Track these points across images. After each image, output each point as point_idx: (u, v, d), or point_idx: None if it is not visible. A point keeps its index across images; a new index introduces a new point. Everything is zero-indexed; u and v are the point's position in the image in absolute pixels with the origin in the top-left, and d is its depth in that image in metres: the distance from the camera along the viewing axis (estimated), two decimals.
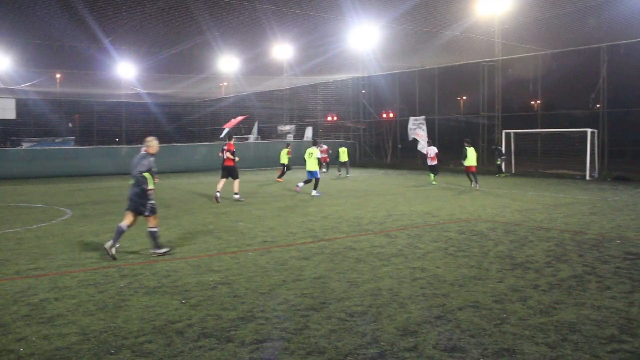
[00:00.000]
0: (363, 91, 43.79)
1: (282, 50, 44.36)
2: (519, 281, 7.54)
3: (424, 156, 24.34)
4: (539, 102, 35.49)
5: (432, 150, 24.11)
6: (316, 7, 30.01)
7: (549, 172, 29.15)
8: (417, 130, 33.69)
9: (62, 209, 15.70)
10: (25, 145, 38.43)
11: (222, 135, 40.31)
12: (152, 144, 9.34)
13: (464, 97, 49.97)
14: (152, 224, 9.13)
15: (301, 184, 19.45)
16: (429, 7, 28.98)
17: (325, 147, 32.00)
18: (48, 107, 48.92)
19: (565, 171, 28.65)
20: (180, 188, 22.28)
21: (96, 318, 6.02)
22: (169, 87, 50.91)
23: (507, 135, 30.95)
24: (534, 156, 31.74)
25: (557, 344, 5.27)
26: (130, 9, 29.26)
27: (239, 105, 54.26)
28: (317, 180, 19.11)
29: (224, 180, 17.45)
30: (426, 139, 30.30)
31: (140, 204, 9.04)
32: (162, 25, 33.38)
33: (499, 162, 29.95)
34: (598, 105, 29.51)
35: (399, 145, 40.10)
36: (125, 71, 46.68)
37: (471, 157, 21.93)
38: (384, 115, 45.67)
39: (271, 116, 51.67)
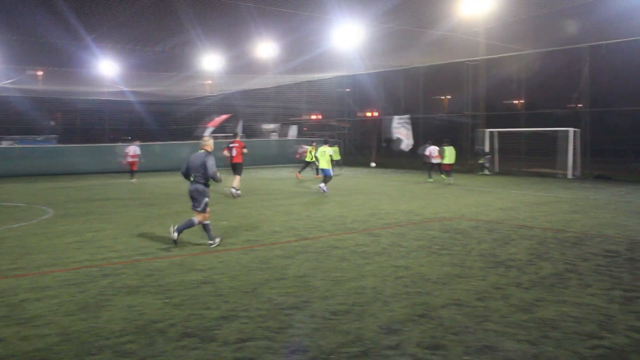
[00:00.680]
0: (348, 90, 43.80)
1: (267, 48, 44.25)
2: (501, 279, 7.59)
3: (426, 156, 24.68)
4: (522, 101, 35.74)
5: (435, 150, 24.46)
6: (300, 5, 29.96)
7: (531, 171, 29.39)
8: (401, 129, 33.82)
9: (43, 207, 15.53)
10: (5, 144, 37.90)
11: (205, 133, 40.16)
12: (209, 142, 10.01)
13: (448, 97, 50.13)
14: (201, 217, 9.74)
15: (322, 185, 19.36)
16: (413, 6, 29.04)
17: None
18: (29, 105, 48.26)
19: (547, 170, 28.89)
20: (165, 187, 22.15)
21: (77, 318, 5.96)
22: (152, 85, 50.48)
23: (491, 134, 31.15)
24: (517, 155, 31.94)
25: (539, 340, 5.32)
26: (114, 6, 28.99)
27: (224, 103, 53.97)
28: (329, 177, 19.47)
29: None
30: (411, 138, 30.48)
31: (197, 201, 9.70)
32: (145, 23, 33.10)
33: (482, 161, 30.15)
34: (580, 105, 29.81)
35: (383, 144, 40.19)
36: (109, 69, 46.22)
37: (449, 156, 23.59)
38: (369, 114, 45.73)
39: (255, 115, 51.48)
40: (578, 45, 29.07)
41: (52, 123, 55.49)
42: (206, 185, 9.74)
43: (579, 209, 15.15)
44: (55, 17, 29.38)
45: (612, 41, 28.28)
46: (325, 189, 19.08)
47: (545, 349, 5.12)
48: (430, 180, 23.99)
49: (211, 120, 32.75)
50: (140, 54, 40.95)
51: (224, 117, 33.26)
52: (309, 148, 27.57)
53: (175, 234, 9.67)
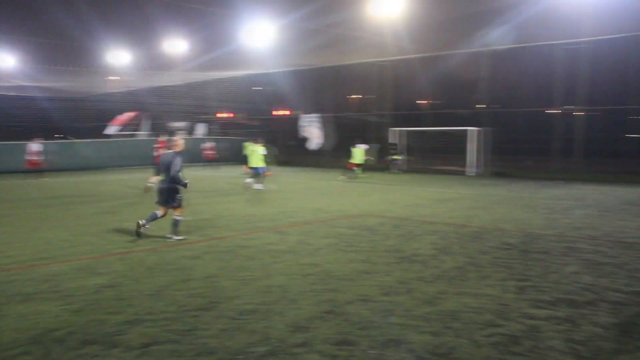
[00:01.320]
0: (259, 88, 43.60)
1: (176, 44, 43.22)
2: (405, 274, 7.81)
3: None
4: (426, 101, 37.00)
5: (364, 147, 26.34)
6: (211, 3, 29.54)
7: (435, 169, 30.51)
8: (310, 128, 34.12)
9: None
10: None
11: (110, 132, 38.66)
12: (179, 142, 10.28)
13: (356, 96, 51.04)
14: (178, 212, 10.16)
15: (249, 180, 20.32)
16: (324, 6, 29.36)
17: (211, 144, 32.36)
18: None
19: (450, 167, 30.10)
20: (64, 187, 21.12)
21: None
22: (53, 81, 47.95)
23: (398, 133, 32.01)
24: (422, 153, 33.06)
25: (440, 332, 5.51)
26: None
27: (129, 100, 52.15)
28: (261, 175, 20.15)
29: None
30: (319, 137, 30.87)
31: (170, 197, 10.09)
32: (43, 15, 31.41)
33: (394, 158, 30.80)
34: (482, 106, 31.27)
35: (292, 143, 40.37)
36: (3, 62, 43.47)
37: (357, 156, 25.73)
38: (279, 113, 45.75)
39: (163, 112, 50.12)
40: (479, 49, 30.50)
41: None
42: (174, 184, 10.04)
43: (479, 205, 15.89)
44: None
45: (510, 46, 29.90)
46: (259, 186, 19.87)
47: (446, 339, 5.32)
48: (341, 178, 24.66)
49: (116, 118, 31.55)
50: (39, 47, 38.81)
51: (130, 114, 32.16)
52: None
53: (142, 229, 10.19)
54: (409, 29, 32.45)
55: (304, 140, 34.25)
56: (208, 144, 32.27)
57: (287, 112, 44.24)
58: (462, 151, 29.70)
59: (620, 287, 7.21)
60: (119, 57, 46.31)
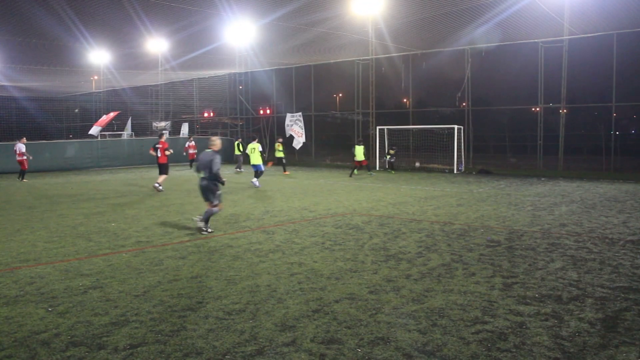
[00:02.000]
0: (240, 87, 43.44)
1: (157, 44, 42.87)
2: (392, 272, 7.84)
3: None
4: (410, 99, 37.14)
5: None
6: (193, 2, 29.37)
7: (420, 167, 30.64)
8: (294, 126, 34.12)
9: None
10: None
11: (92, 132, 38.31)
12: (217, 142, 11.03)
13: (340, 94, 51.12)
14: (217, 207, 10.90)
15: (255, 180, 20.89)
16: (306, 5, 29.30)
17: (193, 143, 32.42)
18: None
19: (435, 165, 30.25)
20: (48, 188, 20.89)
21: None
22: (33, 80, 47.39)
23: (381, 131, 32.09)
24: (407, 151, 33.17)
25: (428, 329, 5.54)
26: None
27: (111, 100, 51.74)
28: (260, 172, 21.17)
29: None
30: (303, 135, 30.87)
31: (211, 194, 10.77)
32: (21, 14, 31.00)
33: (387, 157, 30.78)
34: (464, 104, 31.46)
35: (280, 141, 40.26)
36: None
37: (358, 154, 26.28)
38: (262, 112, 45.64)
39: (146, 112, 49.79)
40: (460, 47, 30.68)
41: None
42: (215, 181, 10.72)
43: (464, 202, 15.98)
44: None
45: (493, 44, 30.10)
46: (257, 183, 20.55)
47: (434, 336, 5.34)
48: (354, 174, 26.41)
49: (98, 120, 31.26)
50: (18, 47, 38.31)
51: (111, 115, 31.86)
52: (277, 144, 28.36)
53: (201, 223, 10.85)
54: (391, 27, 32.50)
55: (290, 139, 34.26)
56: (191, 143, 32.21)
57: (269, 111, 44.15)
58: (444, 149, 29.86)
59: (605, 282, 7.29)
60: (100, 57, 45.83)
